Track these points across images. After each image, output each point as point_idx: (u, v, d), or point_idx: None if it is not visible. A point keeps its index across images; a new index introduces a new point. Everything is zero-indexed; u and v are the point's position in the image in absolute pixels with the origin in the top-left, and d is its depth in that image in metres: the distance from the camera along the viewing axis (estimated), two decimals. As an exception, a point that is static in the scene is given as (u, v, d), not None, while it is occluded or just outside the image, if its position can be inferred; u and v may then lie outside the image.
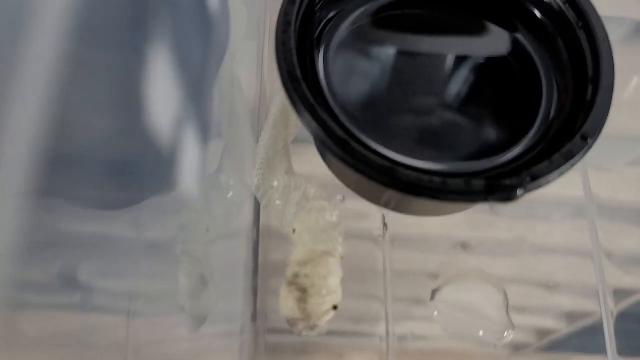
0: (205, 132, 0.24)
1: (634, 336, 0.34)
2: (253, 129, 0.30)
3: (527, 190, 0.22)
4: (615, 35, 0.53)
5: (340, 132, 0.22)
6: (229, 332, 0.26)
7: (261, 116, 0.30)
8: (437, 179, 0.21)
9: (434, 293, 0.28)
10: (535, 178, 0.22)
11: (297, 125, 0.28)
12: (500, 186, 0.21)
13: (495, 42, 0.26)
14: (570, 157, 0.22)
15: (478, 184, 0.21)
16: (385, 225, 0.28)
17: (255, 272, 0.27)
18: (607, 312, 0.33)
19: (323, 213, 0.25)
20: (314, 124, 0.22)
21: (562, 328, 0.59)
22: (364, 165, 0.22)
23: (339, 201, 0.26)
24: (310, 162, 0.27)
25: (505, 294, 0.28)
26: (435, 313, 0.27)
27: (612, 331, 0.32)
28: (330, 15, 0.26)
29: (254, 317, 0.26)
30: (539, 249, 0.34)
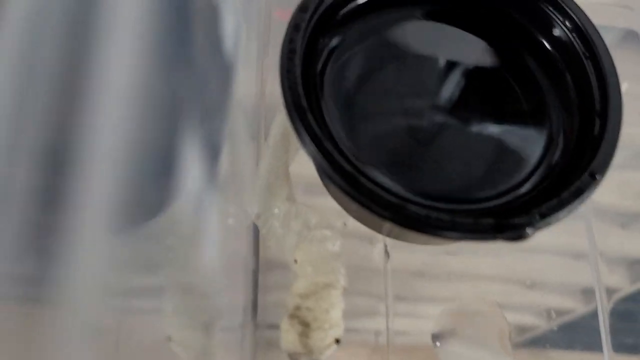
0: (213, 158, 0.24)
1: (619, 333, 0.35)
2: (253, 138, 0.29)
3: (536, 229, 0.21)
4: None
5: (346, 166, 0.21)
6: (230, 327, 0.26)
7: (260, 122, 0.30)
8: (445, 217, 0.21)
9: (436, 337, 0.27)
10: (544, 216, 0.21)
11: (297, 148, 0.27)
12: (509, 225, 0.21)
13: (505, 75, 0.26)
14: (579, 194, 0.22)
15: (487, 222, 0.21)
16: (387, 253, 0.28)
17: (255, 269, 0.27)
18: (602, 311, 0.33)
19: (324, 242, 0.25)
20: (320, 157, 0.21)
21: (542, 324, 0.60)
22: (371, 201, 0.21)
23: (341, 227, 0.26)
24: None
25: (508, 323, 0.28)
26: (438, 344, 0.27)
27: (608, 329, 0.32)
28: (335, 42, 0.25)
29: (254, 312, 0.26)
30: (520, 248, 0.35)
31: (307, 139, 0.21)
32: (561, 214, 0.22)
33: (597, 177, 0.22)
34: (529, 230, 0.21)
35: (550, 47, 0.25)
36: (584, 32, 0.25)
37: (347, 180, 0.21)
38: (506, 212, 0.22)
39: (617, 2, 0.49)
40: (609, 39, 0.53)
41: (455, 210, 0.23)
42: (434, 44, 0.26)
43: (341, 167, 0.21)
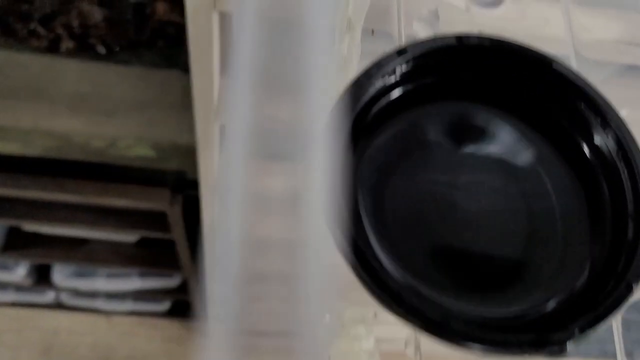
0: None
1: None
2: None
3: (575, 342, 0.22)
4: (602, 75, 0.54)
5: (392, 283, 0.22)
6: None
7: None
8: (487, 336, 0.21)
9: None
10: (583, 330, 0.22)
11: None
12: (549, 341, 0.21)
13: (541, 175, 0.26)
14: (615, 306, 0.22)
15: (528, 338, 0.21)
16: (418, 348, 0.28)
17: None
18: (616, 321, 0.34)
19: (359, 340, 0.25)
20: (367, 278, 0.21)
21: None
22: (414, 317, 0.21)
23: (373, 318, 0.26)
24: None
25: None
26: None
27: (621, 338, 0.33)
28: (368, 141, 0.25)
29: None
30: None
31: (354, 262, 0.22)
32: (599, 326, 0.22)
33: (634, 285, 0.23)
34: (568, 345, 0.22)
35: (589, 152, 0.25)
36: (620, 137, 0.25)
37: (395, 299, 0.21)
38: (543, 325, 0.23)
39: (621, 39, 0.49)
40: (606, 72, 0.53)
41: (494, 322, 0.23)
42: (471, 150, 0.26)
43: (386, 284, 0.21)
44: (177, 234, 0.92)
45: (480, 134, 0.26)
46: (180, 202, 0.88)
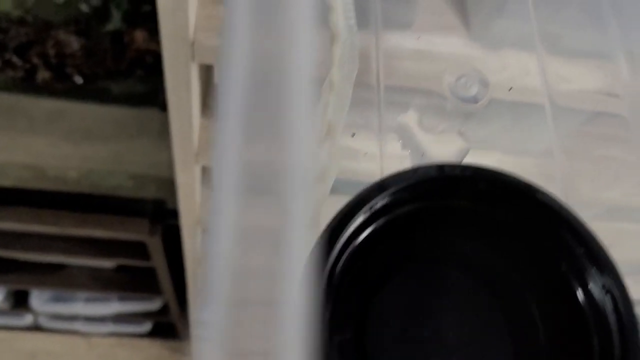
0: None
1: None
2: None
3: None
4: (579, 118, 0.54)
5: None
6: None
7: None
8: None
9: None
10: None
11: None
12: None
13: (531, 315, 0.25)
14: None
15: None
16: None
17: None
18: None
19: None
20: None
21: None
22: None
23: None
24: None
25: None
26: None
27: None
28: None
29: None
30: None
31: None
32: None
33: None
34: None
35: (583, 298, 0.24)
36: (609, 283, 0.24)
37: None
38: None
39: (598, 89, 0.49)
40: (580, 118, 0.53)
41: None
42: (450, 274, 0.25)
43: None
44: (158, 261, 0.91)
45: (463, 270, 0.25)
46: (160, 232, 0.86)
